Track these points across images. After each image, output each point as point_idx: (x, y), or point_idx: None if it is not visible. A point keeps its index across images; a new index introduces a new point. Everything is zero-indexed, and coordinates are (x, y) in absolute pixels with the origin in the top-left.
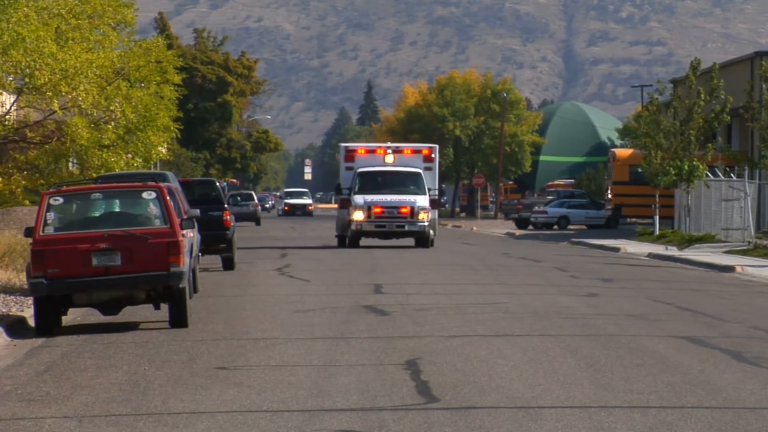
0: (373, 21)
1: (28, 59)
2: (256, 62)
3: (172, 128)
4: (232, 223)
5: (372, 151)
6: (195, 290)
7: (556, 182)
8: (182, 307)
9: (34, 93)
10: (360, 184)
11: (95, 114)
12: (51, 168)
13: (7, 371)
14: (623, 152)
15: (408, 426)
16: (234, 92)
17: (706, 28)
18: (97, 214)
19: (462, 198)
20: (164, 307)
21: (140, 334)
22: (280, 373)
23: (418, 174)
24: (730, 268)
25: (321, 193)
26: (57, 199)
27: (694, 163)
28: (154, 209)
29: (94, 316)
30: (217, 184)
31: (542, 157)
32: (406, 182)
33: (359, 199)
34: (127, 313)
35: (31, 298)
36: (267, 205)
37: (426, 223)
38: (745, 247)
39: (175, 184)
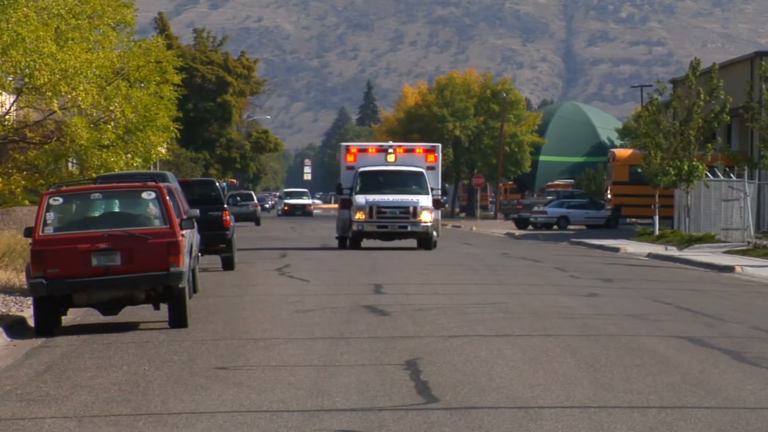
0: (373, 21)
1: (27, 59)
2: (256, 62)
3: (171, 128)
4: (231, 223)
5: (374, 151)
6: (195, 290)
7: (556, 182)
8: (182, 307)
9: (33, 93)
10: (361, 183)
11: (95, 114)
12: (51, 168)
13: (6, 371)
14: (623, 152)
15: (408, 426)
16: (234, 92)
17: (706, 28)
18: (96, 214)
19: (462, 198)
20: (164, 307)
21: (140, 334)
22: (280, 373)
23: (421, 173)
24: (729, 268)
25: (321, 193)
26: (57, 199)
27: (694, 163)
28: (153, 209)
29: (94, 316)
30: (217, 184)
31: (542, 157)
32: (409, 182)
33: (361, 199)
34: (127, 313)
35: (31, 298)
36: (267, 205)
37: (429, 224)
38: (744, 247)
39: (174, 184)
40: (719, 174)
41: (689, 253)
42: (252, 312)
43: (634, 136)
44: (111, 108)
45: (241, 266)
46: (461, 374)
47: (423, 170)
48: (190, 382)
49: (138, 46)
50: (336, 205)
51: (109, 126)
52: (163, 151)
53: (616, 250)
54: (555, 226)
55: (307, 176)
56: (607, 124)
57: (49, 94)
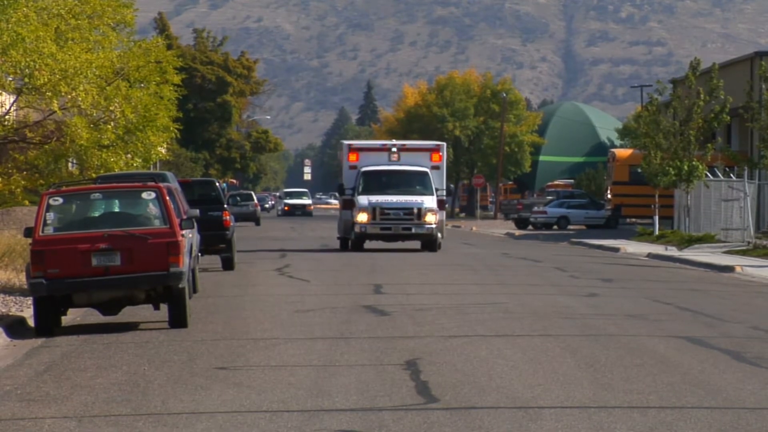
0: (373, 21)
1: (27, 59)
2: (256, 62)
3: (171, 128)
4: (231, 224)
5: (376, 149)
6: (195, 290)
7: (556, 182)
8: (182, 307)
9: (33, 93)
10: (364, 184)
11: (95, 114)
12: (50, 168)
13: (6, 371)
14: (623, 152)
15: (408, 426)
16: (233, 92)
17: (706, 28)
18: (96, 214)
19: (462, 198)
20: (164, 308)
21: (140, 335)
22: (280, 373)
23: (425, 173)
24: (729, 268)
25: (320, 193)
26: (56, 200)
27: (694, 163)
28: (153, 209)
29: (93, 316)
30: (217, 184)
31: (542, 158)
32: (413, 182)
33: (363, 199)
34: (127, 314)
35: (31, 298)
36: (266, 206)
37: (433, 226)
38: (744, 247)
39: (174, 185)
40: (719, 174)
41: (689, 253)
42: (252, 312)
43: (634, 136)
44: (111, 108)
45: (241, 266)
46: (461, 374)
47: (427, 170)
48: (190, 382)
49: (138, 46)
50: (334, 206)
51: (109, 126)
52: (163, 151)
53: (616, 250)
54: (555, 226)
55: (307, 176)
56: (607, 124)
57: (49, 94)
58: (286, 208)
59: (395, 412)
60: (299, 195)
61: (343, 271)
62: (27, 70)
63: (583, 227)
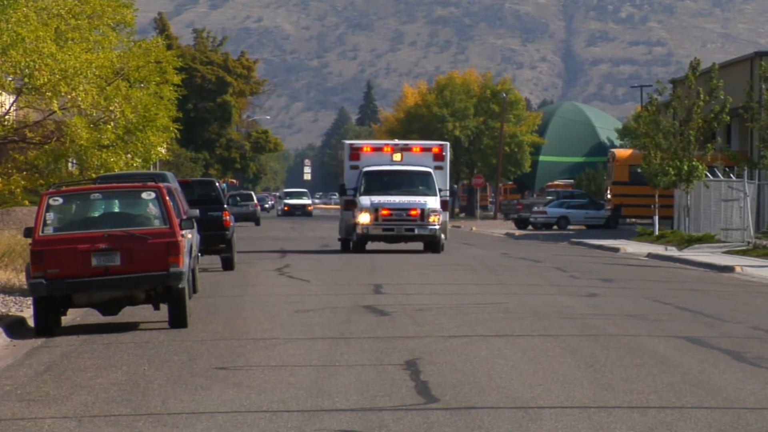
0: (373, 21)
1: (27, 59)
2: (256, 62)
3: (171, 128)
4: (231, 224)
5: (378, 149)
6: (194, 290)
7: (556, 182)
8: (182, 307)
9: (33, 93)
10: (366, 184)
11: (95, 114)
12: (50, 168)
13: (6, 371)
14: (623, 152)
15: (408, 426)
16: (233, 92)
17: (706, 28)
18: (96, 214)
19: (462, 198)
20: (164, 308)
21: (140, 335)
22: (280, 373)
23: (428, 173)
24: (729, 269)
25: (320, 193)
26: (56, 200)
27: (694, 163)
28: (153, 209)
29: (93, 316)
30: (217, 184)
31: (542, 158)
32: (416, 182)
33: (365, 200)
34: (127, 314)
35: (31, 298)
36: (266, 206)
37: (437, 227)
38: (744, 248)
39: (174, 185)
40: (719, 174)
41: (689, 253)
42: (252, 312)
43: (633, 136)
44: (111, 108)
45: (241, 266)
46: (461, 374)
47: (431, 170)
48: (190, 382)
49: (138, 47)
50: (333, 206)
51: (109, 126)
52: (163, 151)
53: (615, 250)
54: (555, 227)
55: (307, 176)
56: (606, 124)
57: (49, 94)
58: (285, 208)
59: (395, 412)
60: (299, 195)
61: (343, 271)
62: (27, 70)
63: (583, 227)
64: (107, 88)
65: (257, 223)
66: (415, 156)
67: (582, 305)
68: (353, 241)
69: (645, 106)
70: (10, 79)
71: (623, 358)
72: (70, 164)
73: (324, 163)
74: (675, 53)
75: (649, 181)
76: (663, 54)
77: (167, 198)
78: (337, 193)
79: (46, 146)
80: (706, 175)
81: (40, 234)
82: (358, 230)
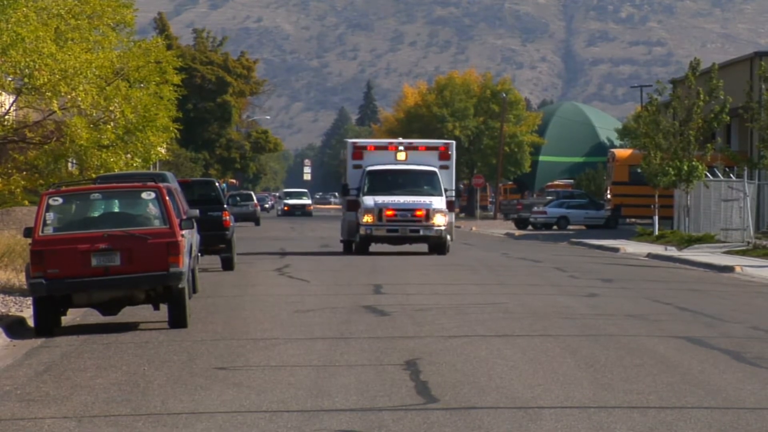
0: (373, 21)
1: (27, 59)
2: (256, 62)
3: (171, 128)
4: (231, 224)
5: (382, 148)
6: (194, 290)
7: (556, 182)
8: (182, 307)
9: (33, 93)
10: (369, 183)
11: (94, 114)
12: (50, 168)
13: (6, 371)
14: (623, 152)
15: (407, 426)
16: (233, 92)
17: (706, 28)
18: (96, 214)
19: (462, 198)
20: (164, 308)
21: (140, 335)
22: (280, 373)
23: (434, 173)
24: (729, 269)
25: (320, 193)
26: (56, 200)
27: (694, 163)
28: (153, 209)
29: (93, 316)
30: (217, 184)
31: (542, 158)
32: (420, 182)
33: (369, 200)
34: (127, 314)
35: (31, 298)
36: (266, 206)
37: (443, 228)
38: (744, 248)
39: (174, 185)
40: (719, 174)
41: (689, 254)
42: (252, 312)
43: (633, 136)
44: (111, 108)
45: (241, 266)
46: (461, 374)
47: (436, 169)
48: (190, 382)
49: (138, 47)
50: (333, 206)
51: (109, 126)
52: (163, 151)
53: (615, 250)
54: (555, 227)
55: (307, 176)
56: (606, 124)
57: (49, 94)
58: (285, 208)
59: (395, 412)
60: (299, 195)
61: (343, 272)
62: (27, 70)
63: (583, 227)
64: (107, 88)
65: (257, 223)
66: (420, 155)
67: (582, 305)
68: (356, 243)
69: (645, 106)
70: (10, 79)
71: (623, 358)
72: (70, 164)
73: (324, 164)
74: (675, 53)
75: (649, 181)
76: (663, 54)
77: (167, 198)
78: (336, 193)
79: (46, 146)
80: (706, 175)
81: (40, 234)
82: (362, 231)
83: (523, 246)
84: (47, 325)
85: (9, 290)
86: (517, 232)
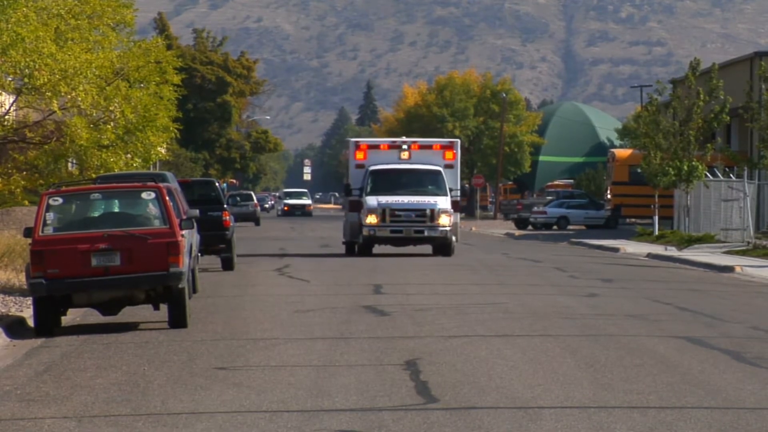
0: (373, 21)
1: (27, 59)
2: (256, 62)
3: (171, 128)
4: (231, 224)
5: (386, 147)
6: (194, 290)
7: (556, 182)
8: (182, 307)
9: (33, 93)
10: (372, 183)
11: (94, 114)
12: (50, 168)
13: (6, 371)
14: (623, 152)
15: (407, 426)
16: (233, 92)
17: (706, 28)
18: (96, 214)
19: (462, 198)
20: (164, 308)
21: (140, 335)
22: (280, 373)
23: (438, 172)
24: (729, 269)
25: (320, 193)
26: (56, 200)
27: (694, 163)
28: (153, 209)
29: (93, 316)
30: (217, 184)
31: (542, 158)
32: (425, 182)
33: (372, 200)
34: (127, 314)
35: (31, 298)
36: (266, 206)
37: (448, 228)
38: (744, 248)
39: (174, 185)
40: (719, 174)
41: (689, 254)
42: (252, 312)
43: (633, 136)
44: (111, 108)
45: (241, 266)
46: (461, 374)
47: (440, 169)
48: (190, 382)
49: (138, 47)
50: (333, 206)
51: (109, 126)
52: (163, 151)
53: (615, 250)
54: (555, 227)
55: (307, 176)
56: (606, 124)
57: (49, 94)
58: (285, 208)
59: (395, 412)
60: (299, 195)
61: (343, 272)
62: (27, 70)
63: (583, 227)
64: (107, 88)
65: (257, 223)
66: (423, 154)
67: (582, 305)
68: (359, 244)
69: (645, 106)
70: (10, 79)
71: (623, 358)
72: (70, 164)
73: (324, 164)
74: (675, 53)
75: (649, 181)
76: (663, 54)
77: (167, 198)
78: (336, 193)
79: (46, 146)
80: (706, 175)
81: (40, 234)
82: (365, 232)
83: (523, 246)
84: (47, 325)
85: (9, 290)
86: (517, 232)
